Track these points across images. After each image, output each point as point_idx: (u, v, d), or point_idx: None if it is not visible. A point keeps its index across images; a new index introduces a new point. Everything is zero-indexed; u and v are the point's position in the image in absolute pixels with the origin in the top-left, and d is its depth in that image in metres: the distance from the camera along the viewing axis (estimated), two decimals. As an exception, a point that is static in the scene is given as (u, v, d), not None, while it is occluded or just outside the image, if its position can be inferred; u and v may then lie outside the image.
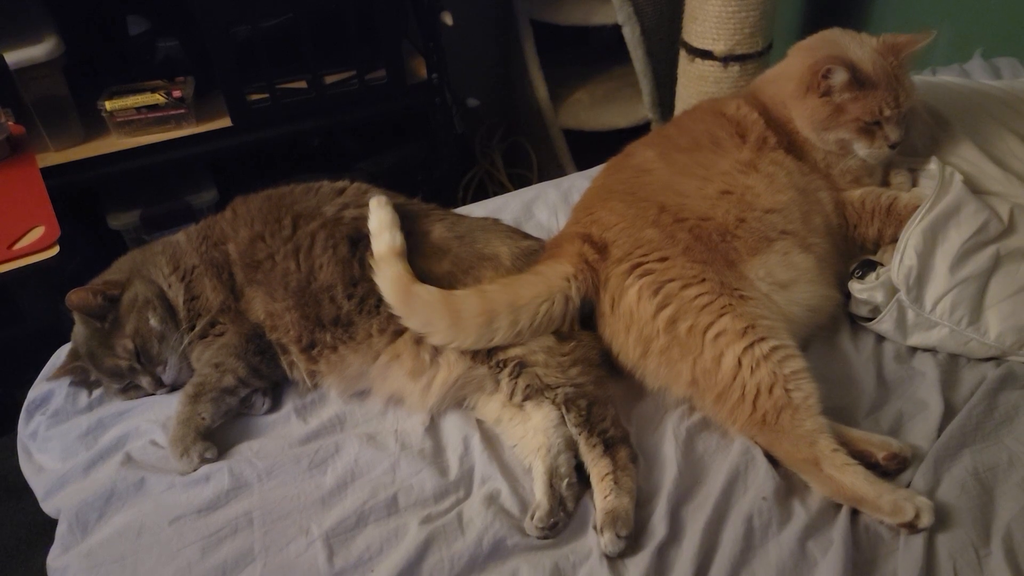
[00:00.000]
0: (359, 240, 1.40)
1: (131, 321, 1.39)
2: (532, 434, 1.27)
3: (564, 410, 1.27)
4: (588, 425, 1.25)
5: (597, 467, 1.21)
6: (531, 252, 1.45)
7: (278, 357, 1.40)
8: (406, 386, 1.34)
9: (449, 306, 1.29)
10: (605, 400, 1.29)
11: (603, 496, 1.18)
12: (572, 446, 1.25)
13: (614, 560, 1.13)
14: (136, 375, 1.41)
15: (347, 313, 1.36)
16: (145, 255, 1.50)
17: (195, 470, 1.28)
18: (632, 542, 1.14)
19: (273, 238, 1.42)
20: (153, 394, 1.42)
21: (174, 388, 1.41)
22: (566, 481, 1.21)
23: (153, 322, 1.40)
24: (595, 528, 1.16)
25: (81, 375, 1.45)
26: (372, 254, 1.36)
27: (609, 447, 1.23)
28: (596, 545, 1.14)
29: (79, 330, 1.43)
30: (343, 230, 1.42)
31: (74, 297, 1.38)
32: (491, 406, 1.33)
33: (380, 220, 1.37)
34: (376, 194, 1.48)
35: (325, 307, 1.37)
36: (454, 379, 1.32)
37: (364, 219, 1.40)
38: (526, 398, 1.30)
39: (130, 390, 1.43)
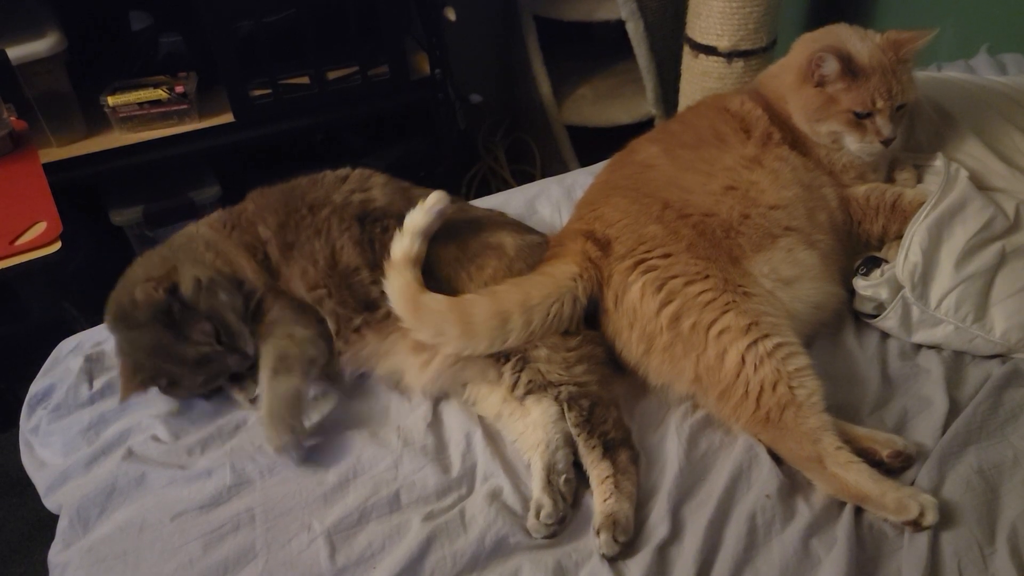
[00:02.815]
0: (365, 217, 1.41)
1: (203, 302, 1.33)
2: (531, 430, 1.27)
3: (566, 408, 1.27)
4: (588, 426, 1.24)
5: (597, 469, 1.21)
6: (534, 246, 1.45)
7: (329, 333, 1.39)
8: (406, 360, 1.34)
9: (460, 313, 1.28)
10: (608, 401, 1.28)
11: (603, 499, 1.18)
12: (570, 441, 1.25)
13: (615, 559, 1.12)
14: (222, 357, 1.35)
15: (375, 299, 1.36)
16: (171, 250, 1.45)
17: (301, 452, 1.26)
18: (634, 541, 1.14)
19: (297, 226, 1.42)
20: (238, 372, 1.38)
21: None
22: (563, 477, 1.21)
23: (224, 296, 1.35)
24: (594, 529, 1.16)
25: (149, 384, 1.38)
26: (380, 229, 1.39)
27: (609, 449, 1.22)
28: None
29: (137, 339, 1.34)
30: (351, 211, 1.43)
31: (141, 296, 1.31)
32: (491, 400, 1.33)
33: (413, 222, 1.34)
34: (379, 178, 1.49)
35: (357, 290, 1.37)
36: (455, 359, 1.31)
37: (370, 200, 1.43)
38: (528, 392, 1.29)
39: (213, 379, 1.38)
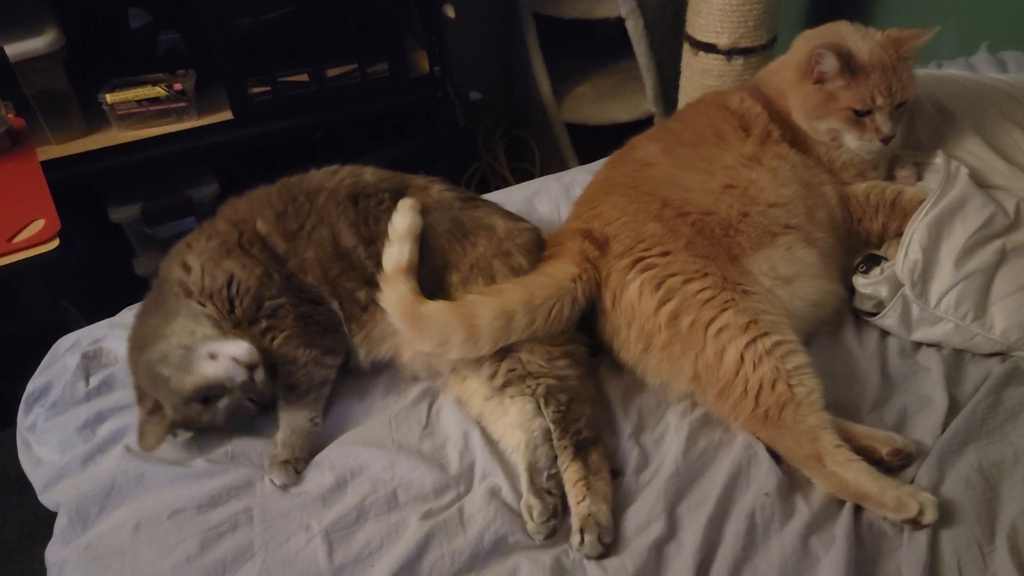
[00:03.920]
0: (358, 196, 1.42)
1: (175, 408, 1.26)
2: (510, 431, 1.27)
3: (543, 404, 1.27)
4: (563, 423, 1.24)
5: (569, 471, 1.21)
6: (523, 231, 1.45)
7: (342, 327, 1.38)
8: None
9: (464, 317, 1.26)
10: (586, 397, 1.28)
11: (576, 501, 1.17)
12: (550, 436, 1.25)
13: (612, 558, 1.12)
14: (238, 408, 1.29)
15: (372, 274, 1.36)
16: (144, 333, 1.36)
17: (292, 483, 1.25)
18: (631, 539, 1.14)
19: (298, 214, 1.42)
20: (272, 396, 1.32)
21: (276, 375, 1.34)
22: (545, 474, 1.21)
23: (168, 372, 1.25)
24: (579, 531, 1.14)
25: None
26: (375, 203, 1.41)
27: (580, 450, 1.22)
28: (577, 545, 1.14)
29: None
30: (344, 192, 1.43)
31: (151, 442, 1.28)
32: (475, 399, 1.33)
33: (395, 228, 1.35)
34: (371, 168, 1.49)
35: (358, 268, 1.38)
36: None
37: (362, 181, 1.44)
38: (506, 383, 1.29)
39: (257, 403, 1.33)
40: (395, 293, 1.29)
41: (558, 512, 1.17)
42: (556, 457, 1.23)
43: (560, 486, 1.20)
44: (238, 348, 1.26)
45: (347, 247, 1.39)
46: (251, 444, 1.32)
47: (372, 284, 1.37)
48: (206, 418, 1.29)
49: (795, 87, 1.47)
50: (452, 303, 1.29)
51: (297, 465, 1.26)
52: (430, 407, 1.36)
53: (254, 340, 1.30)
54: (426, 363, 1.37)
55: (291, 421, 1.30)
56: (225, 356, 1.26)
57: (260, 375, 1.28)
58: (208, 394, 1.26)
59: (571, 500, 1.18)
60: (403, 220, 1.36)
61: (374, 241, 1.38)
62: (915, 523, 1.10)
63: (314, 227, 1.40)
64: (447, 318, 1.26)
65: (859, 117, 1.42)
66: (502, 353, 1.30)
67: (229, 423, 1.31)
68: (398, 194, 1.43)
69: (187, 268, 1.37)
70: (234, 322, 1.33)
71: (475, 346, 1.27)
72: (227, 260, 1.36)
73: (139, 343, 1.34)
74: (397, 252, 1.33)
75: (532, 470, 1.21)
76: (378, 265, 1.36)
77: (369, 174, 1.48)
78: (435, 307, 1.27)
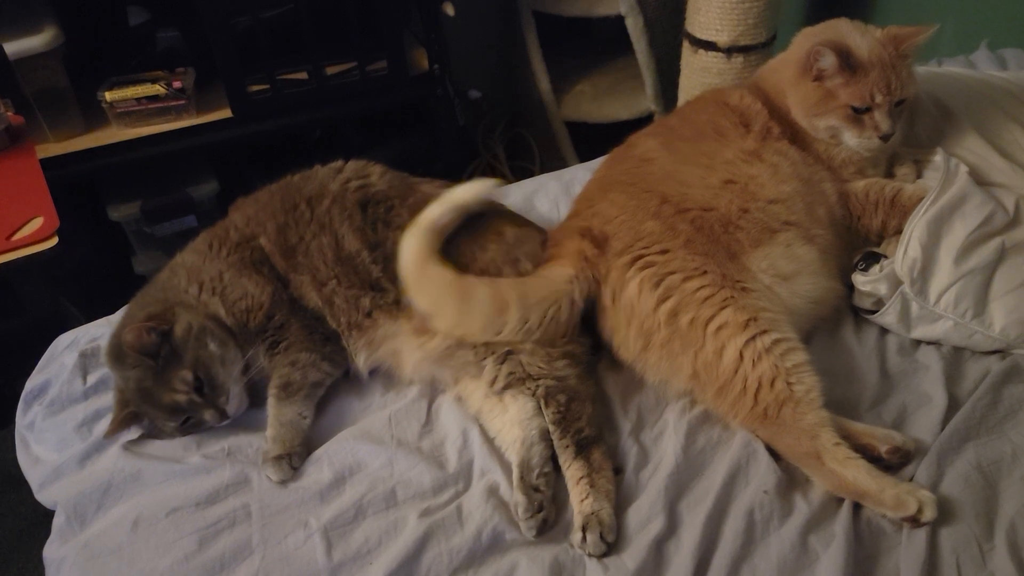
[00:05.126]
0: (367, 203, 1.42)
1: (189, 351, 1.29)
2: (509, 427, 1.27)
3: (543, 404, 1.27)
4: (564, 423, 1.24)
5: (571, 469, 1.21)
6: (531, 237, 1.45)
7: (343, 342, 1.39)
8: (407, 342, 1.35)
9: (461, 290, 1.27)
10: (585, 396, 1.28)
11: (580, 499, 1.17)
12: (547, 436, 1.25)
13: (612, 556, 1.12)
14: (197, 409, 1.30)
15: (377, 279, 1.37)
16: (163, 288, 1.42)
17: (289, 478, 1.25)
18: (630, 536, 1.14)
19: (298, 224, 1.42)
20: (212, 427, 1.34)
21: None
22: (536, 471, 1.20)
23: (212, 347, 1.31)
24: (580, 529, 1.14)
25: (136, 421, 1.35)
26: (384, 210, 1.42)
27: (582, 448, 1.22)
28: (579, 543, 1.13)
29: (127, 374, 1.31)
30: (352, 198, 1.43)
31: (131, 337, 1.27)
32: (474, 397, 1.33)
33: (454, 195, 1.35)
34: (377, 168, 1.50)
35: (361, 273, 1.38)
36: (444, 347, 1.31)
37: (369, 186, 1.44)
38: (507, 386, 1.29)
39: (188, 426, 1.33)
40: (413, 242, 1.29)
41: (544, 508, 1.17)
42: (551, 456, 1.23)
43: (550, 484, 1.20)
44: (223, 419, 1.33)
45: (351, 251, 1.39)
46: (248, 440, 1.32)
47: (376, 289, 1.37)
48: (192, 346, 1.30)
49: (794, 84, 1.47)
50: (456, 274, 1.28)
51: (292, 460, 1.26)
52: (429, 405, 1.36)
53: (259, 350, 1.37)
54: (427, 373, 1.37)
55: (280, 415, 1.31)
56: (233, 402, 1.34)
57: (230, 401, 1.33)
58: (215, 331, 1.32)
59: (573, 499, 1.18)
60: (468, 192, 1.35)
61: (380, 245, 1.38)
62: (914, 521, 1.10)
63: (314, 236, 1.40)
64: (447, 284, 1.27)
65: (858, 115, 1.42)
66: (503, 356, 1.30)
67: (179, 379, 1.30)
68: (406, 201, 1.43)
69: (220, 275, 1.41)
70: (244, 333, 1.36)
71: (466, 320, 1.27)
72: (243, 279, 1.39)
73: (174, 278, 1.42)
74: (439, 211, 1.32)
75: (524, 467, 1.21)
76: (383, 269, 1.36)
77: (376, 177, 1.48)
78: (441, 271, 1.28)
